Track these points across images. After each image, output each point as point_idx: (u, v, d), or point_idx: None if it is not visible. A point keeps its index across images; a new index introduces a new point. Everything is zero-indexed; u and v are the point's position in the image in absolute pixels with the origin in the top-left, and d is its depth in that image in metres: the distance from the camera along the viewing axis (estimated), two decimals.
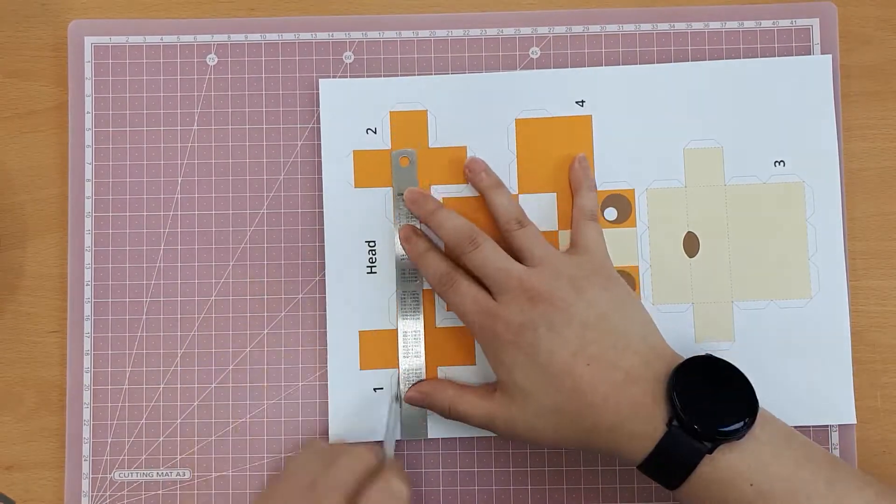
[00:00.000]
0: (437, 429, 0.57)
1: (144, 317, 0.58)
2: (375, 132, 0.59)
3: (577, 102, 0.59)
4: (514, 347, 0.50)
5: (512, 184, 0.58)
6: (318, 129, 0.59)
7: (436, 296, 0.58)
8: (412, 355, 0.58)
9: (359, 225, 0.58)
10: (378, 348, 0.58)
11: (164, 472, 0.58)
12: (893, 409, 0.58)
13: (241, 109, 0.59)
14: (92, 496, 0.57)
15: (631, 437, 0.48)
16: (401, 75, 0.59)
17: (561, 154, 0.58)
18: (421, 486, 0.58)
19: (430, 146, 0.59)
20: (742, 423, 0.47)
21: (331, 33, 0.59)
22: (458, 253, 0.54)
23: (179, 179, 0.59)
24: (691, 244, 0.58)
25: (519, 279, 0.51)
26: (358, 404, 0.57)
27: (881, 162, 0.59)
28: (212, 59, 0.59)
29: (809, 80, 0.58)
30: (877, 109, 0.60)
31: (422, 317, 0.58)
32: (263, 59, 0.59)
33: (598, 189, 0.58)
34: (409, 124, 0.59)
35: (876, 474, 0.57)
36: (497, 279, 0.52)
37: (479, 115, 0.59)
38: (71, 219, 0.59)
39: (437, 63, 0.59)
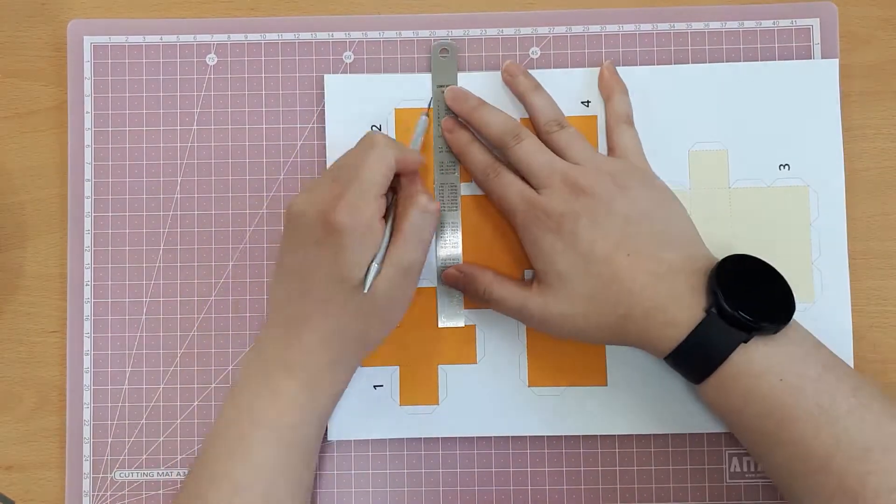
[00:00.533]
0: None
1: (144, 317, 0.58)
2: (380, 129, 0.59)
3: (582, 102, 0.59)
4: (555, 235, 0.51)
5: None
6: (318, 129, 0.59)
7: (437, 296, 0.58)
8: (449, 245, 0.58)
9: None
10: (379, 346, 0.57)
11: (165, 471, 0.58)
12: None
13: (241, 109, 0.59)
14: (93, 496, 0.57)
15: (665, 324, 0.49)
16: (404, 73, 0.59)
17: None
18: (421, 486, 0.58)
19: (434, 144, 0.59)
20: (780, 319, 0.48)
21: (331, 33, 0.59)
22: (501, 147, 0.55)
23: (179, 179, 0.59)
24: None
25: (563, 173, 0.53)
26: (358, 402, 0.57)
27: (881, 162, 0.59)
28: (211, 59, 0.59)
29: (815, 84, 0.58)
30: (877, 109, 0.60)
31: (459, 210, 0.58)
32: (263, 58, 0.59)
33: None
34: (415, 121, 0.58)
35: None
36: (540, 172, 0.53)
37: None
38: (70, 219, 0.59)
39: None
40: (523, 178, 0.54)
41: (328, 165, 0.57)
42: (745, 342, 0.48)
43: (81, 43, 0.59)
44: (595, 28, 0.59)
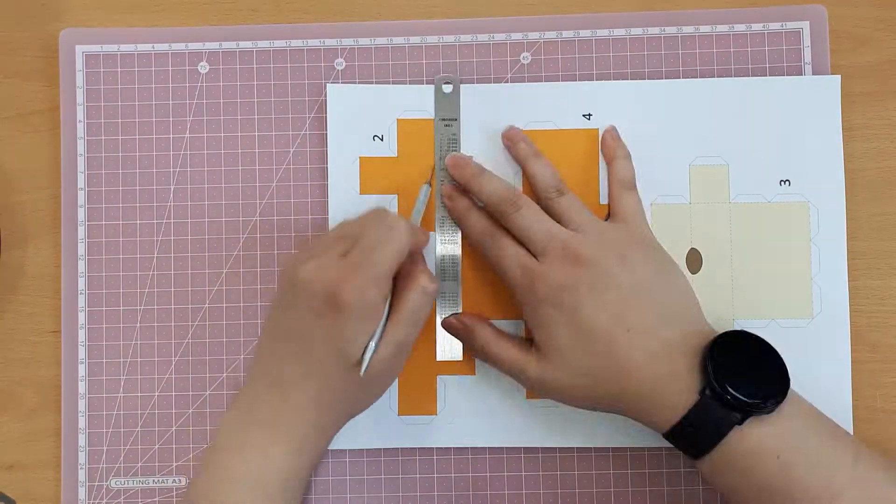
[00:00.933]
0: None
1: (139, 325, 0.58)
2: (382, 139, 0.59)
3: (584, 115, 0.58)
4: (554, 307, 0.51)
5: None
6: (311, 136, 0.59)
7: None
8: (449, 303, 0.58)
9: None
10: None
11: (160, 479, 0.58)
12: (893, 409, 0.58)
13: (234, 117, 0.59)
14: None
15: (662, 405, 0.49)
16: (409, 83, 0.59)
17: (567, 166, 0.58)
18: (416, 491, 0.58)
19: (436, 155, 0.59)
20: (774, 397, 0.48)
21: (322, 40, 0.59)
22: (500, 214, 0.54)
23: (172, 187, 0.59)
24: (694, 261, 0.58)
25: (563, 241, 0.52)
26: (364, 413, 0.57)
27: (880, 162, 0.59)
28: (203, 67, 0.59)
29: (817, 100, 0.58)
30: (876, 109, 0.59)
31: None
32: (255, 66, 0.59)
33: (602, 203, 0.58)
34: (417, 132, 0.58)
35: None
36: (540, 240, 0.52)
37: (486, 125, 0.58)
38: (64, 227, 0.59)
39: (429, 69, 0.59)
40: (523, 245, 0.54)
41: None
42: (740, 423, 0.48)
43: (73, 52, 0.59)
44: (586, 33, 0.59)
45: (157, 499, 0.58)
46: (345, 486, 0.58)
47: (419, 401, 0.58)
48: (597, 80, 0.59)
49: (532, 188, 0.56)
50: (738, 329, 0.51)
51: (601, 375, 0.50)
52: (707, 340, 0.50)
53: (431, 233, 0.58)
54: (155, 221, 0.59)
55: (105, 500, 0.58)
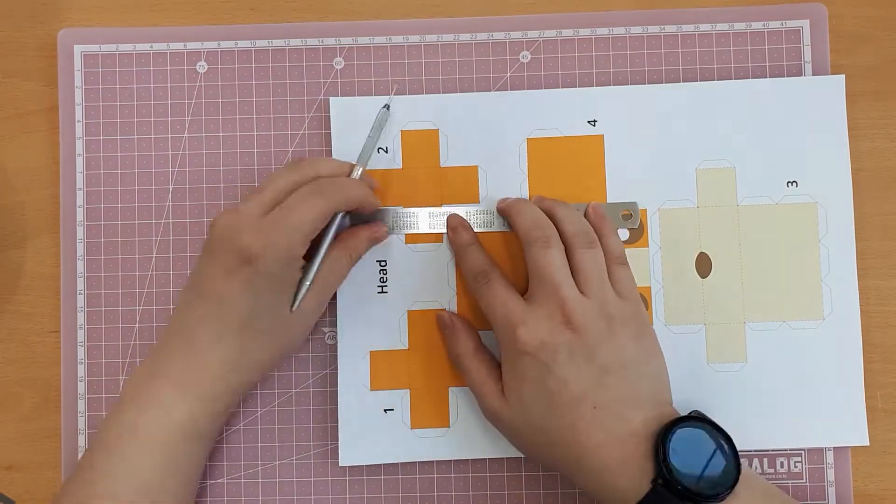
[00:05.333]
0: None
1: (138, 325, 0.58)
2: (387, 151, 0.59)
3: (588, 122, 0.58)
4: (530, 360, 0.50)
5: None
6: (309, 135, 0.59)
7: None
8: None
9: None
10: (389, 369, 0.57)
11: None
12: (893, 409, 0.58)
13: (232, 117, 0.59)
14: None
15: (614, 489, 0.49)
16: (408, 82, 0.59)
17: (573, 173, 0.58)
18: (434, 492, 0.57)
19: (441, 165, 0.58)
20: (726, 487, 0.47)
21: (321, 39, 0.59)
22: (527, 242, 0.53)
23: (171, 187, 0.59)
24: (704, 265, 0.58)
25: (564, 299, 0.51)
26: (368, 425, 0.57)
27: (883, 162, 0.59)
28: (202, 67, 0.59)
29: (822, 100, 0.58)
30: (878, 109, 0.59)
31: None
32: (253, 65, 0.59)
33: None
34: (421, 143, 0.58)
35: (875, 476, 0.58)
36: (545, 286, 0.51)
37: (491, 135, 0.58)
38: (63, 227, 0.59)
39: (428, 68, 0.59)
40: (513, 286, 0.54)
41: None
42: None
43: (72, 51, 0.59)
44: (585, 32, 0.59)
45: None
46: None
47: (432, 414, 0.57)
48: (596, 79, 0.59)
49: (561, 233, 0.54)
50: (693, 412, 0.51)
51: (558, 441, 0.50)
52: (662, 428, 0.49)
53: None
54: (154, 221, 0.59)
55: None
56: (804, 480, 0.57)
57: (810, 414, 0.57)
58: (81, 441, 0.58)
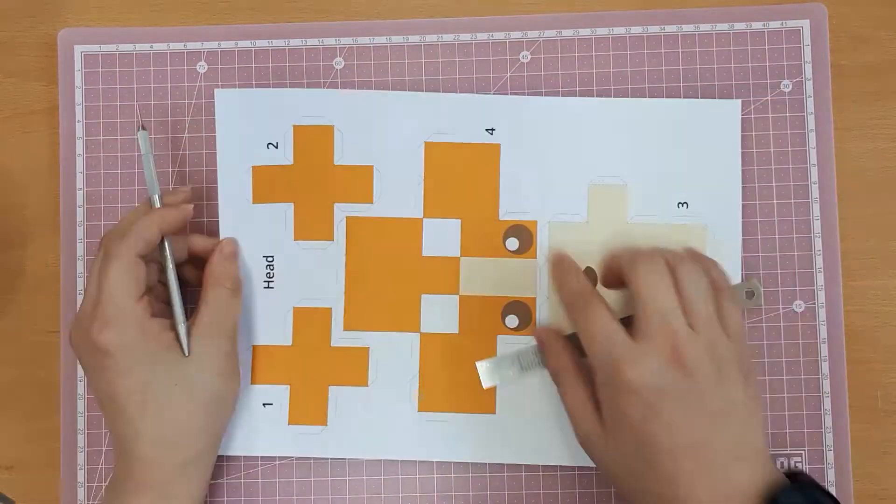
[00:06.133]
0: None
1: None
2: (277, 147, 0.58)
3: (487, 130, 0.58)
4: (636, 399, 0.46)
5: (418, 207, 0.58)
6: None
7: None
8: None
9: (256, 240, 0.58)
10: (271, 364, 0.57)
11: None
12: (893, 409, 0.58)
13: None
14: None
15: None
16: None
17: (468, 180, 0.58)
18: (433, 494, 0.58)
19: (335, 163, 0.58)
20: None
21: (321, 39, 0.59)
22: (631, 265, 0.49)
23: (171, 187, 0.59)
24: (590, 279, 0.55)
25: (675, 333, 0.47)
26: (247, 419, 0.57)
27: (881, 162, 0.59)
28: (202, 67, 0.59)
29: (718, 124, 0.58)
30: (876, 109, 0.59)
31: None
32: (253, 66, 0.59)
33: (501, 219, 0.58)
34: (314, 139, 0.58)
35: (876, 475, 0.58)
36: (653, 318, 0.47)
37: (388, 135, 0.58)
38: (63, 227, 0.59)
39: (428, 68, 0.59)
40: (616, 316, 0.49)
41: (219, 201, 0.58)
42: None
43: (72, 51, 0.59)
44: (585, 31, 0.59)
45: None
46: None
47: (310, 411, 0.57)
48: (596, 79, 0.59)
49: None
50: (799, 471, 0.49)
51: (654, 490, 0.47)
52: (771, 488, 0.46)
53: None
54: None
55: None
56: None
57: None
58: (81, 441, 0.58)
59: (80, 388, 0.58)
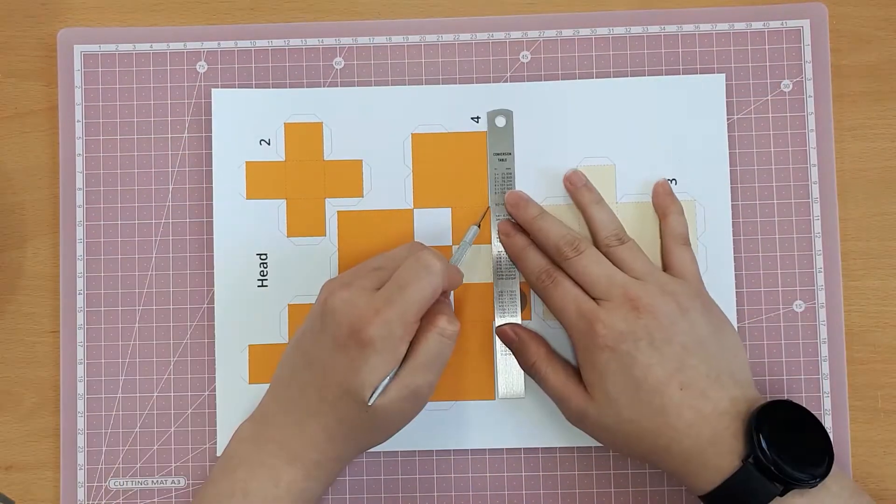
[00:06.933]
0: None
1: (137, 325, 0.58)
2: (269, 143, 0.58)
3: (472, 118, 0.59)
4: (611, 354, 0.51)
5: (408, 198, 0.58)
6: None
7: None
8: (508, 314, 0.58)
9: (250, 237, 0.58)
10: (268, 363, 0.57)
11: (160, 480, 0.58)
12: (893, 410, 0.58)
13: None
14: None
15: (704, 467, 0.49)
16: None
17: (457, 169, 0.58)
18: (433, 492, 0.57)
19: (325, 159, 0.58)
20: (816, 474, 0.48)
21: (321, 39, 0.59)
22: (559, 258, 0.54)
23: (171, 187, 0.59)
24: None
25: (623, 287, 0.52)
26: (242, 418, 0.56)
27: (881, 162, 0.59)
28: (202, 67, 0.59)
29: (703, 98, 0.58)
30: (876, 109, 0.59)
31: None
32: (253, 66, 0.59)
33: (488, 206, 0.58)
34: (305, 136, 0.58)
35: (876, 475, 0.58)
36: (601, 284, 0.52)
37: (376, 129, 0.59)
38: (62, 227, 0.59)
39: (428, 68, 0.59)
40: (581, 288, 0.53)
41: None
42: (781, 495, 0.48)
43: (71, 51, 0.59)
44: (585, 31, 0.59)
45: (155, 499, 0.58)
46: (345, 488, 0.57)
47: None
48: (596, 78, 0.59)
49: (593, 235, 0.56)
50: (784, 398, 0.51)
51: (647, 428, 0.50)
52: (753, 406, 0.50)
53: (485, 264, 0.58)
54: (153, 221, 0.59)
55: (104, 501, 0.57)
56: None
57: None
58: (81, 441, 0.58)
59: (80, 388, 0.58)
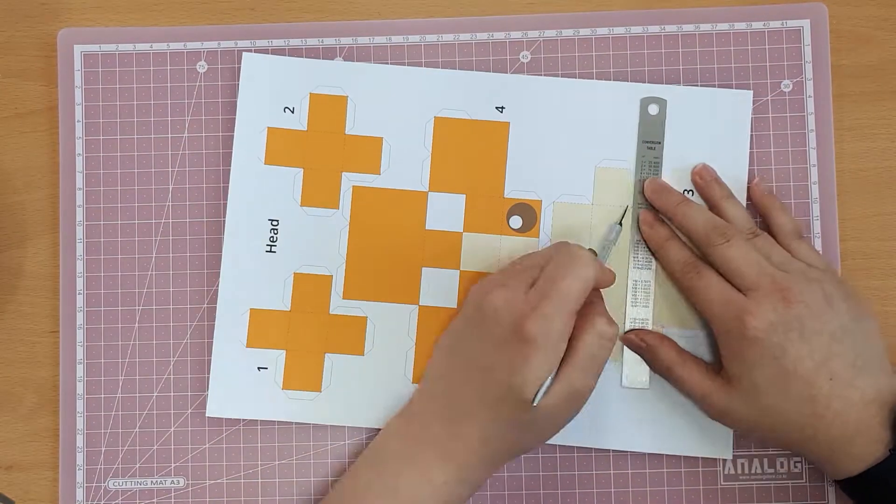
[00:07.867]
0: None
1: (137, 325, 0.58)
2: (293, 112, 0.59)
3: (497, 108, 0.59)
4: (760, 345, 0.50)
5: (424, 181, 0.58)
6: None
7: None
8: (640, 305, 0.57)
9: (263, 202, 0.58)
10: (267, 328, 0.58)
11: (159, 480, 0.58)
12: None
13: (231, 116, 0.59)
14: None
15: (848, 455, 0.50)
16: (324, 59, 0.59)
17: (475, 157, 0.58)
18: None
19: (346, 132, 0.59)
20: None
21: (321, 39, 0.59)
22: (705, 245, 0.54)
23: (171, 187, 0.59)
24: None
25: (772, 277, 0.51)
26: (240, 382, 0.57)
27: (881, 162, 0.59)
28: (202, 67, 0.59)
29: (729, 113, 0.58)
30: (875, 109, 0.59)
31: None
32: None
33: (506, 197, 0.58)
34: (328, 108, 0.59)
35: None
36: (749, 274, 0.52)
37: (399, 109, 0.59)
38: (62, 227, 0.59)
39: (427, 68, 0.59)
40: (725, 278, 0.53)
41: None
42: None
43: (71, 51, 0.59)
44: (585, 31, 0.59)
45: (155, 500, 0.57)
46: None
47: (305, 377, 0.58)
48: (596, 78, 0.59)
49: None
50: None
51: (794, 419, 0.50)
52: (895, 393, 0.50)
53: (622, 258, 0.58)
54: (153, 221, 0.59)
55: (103, 501, 0.57)
56: (804, 480, 0.57)
57: (682, 422, 0.57)
58: (80, 441, 0.58)
59: (80, 388, 0.58)
